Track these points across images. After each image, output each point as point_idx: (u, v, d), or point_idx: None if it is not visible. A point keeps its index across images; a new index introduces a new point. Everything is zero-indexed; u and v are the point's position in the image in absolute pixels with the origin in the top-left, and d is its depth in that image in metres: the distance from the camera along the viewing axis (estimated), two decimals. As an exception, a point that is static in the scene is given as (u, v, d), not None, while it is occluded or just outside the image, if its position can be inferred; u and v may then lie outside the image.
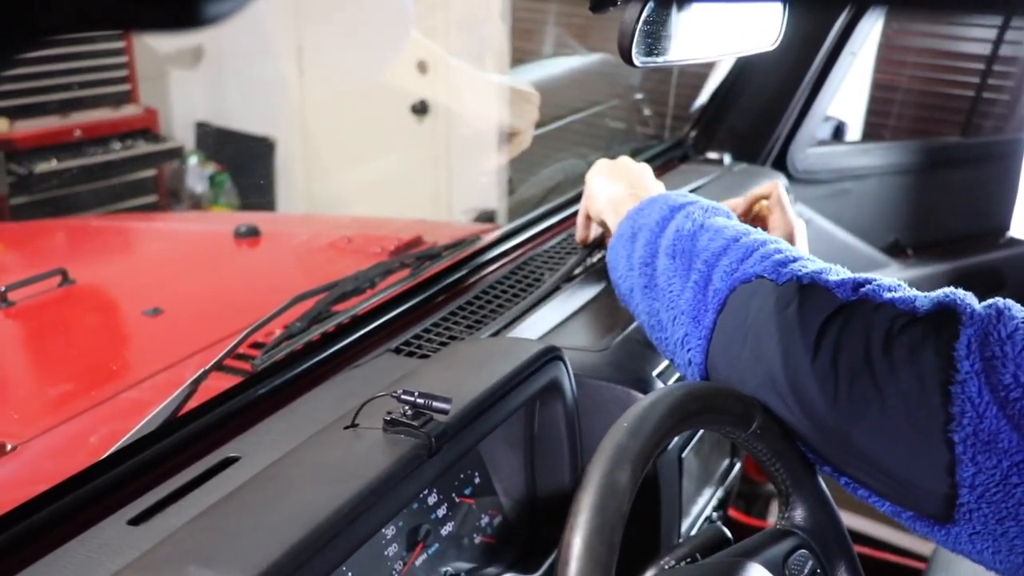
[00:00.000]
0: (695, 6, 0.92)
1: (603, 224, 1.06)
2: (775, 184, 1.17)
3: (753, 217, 1.19)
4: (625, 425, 0.64)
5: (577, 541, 0.57)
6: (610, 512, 0.58)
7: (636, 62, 0.86)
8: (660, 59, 0.90)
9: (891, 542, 2.02)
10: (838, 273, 0.77)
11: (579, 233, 1.21)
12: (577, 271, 1.23)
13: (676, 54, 0.91)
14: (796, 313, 0.74)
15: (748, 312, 0.78)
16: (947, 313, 0.68)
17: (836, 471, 0.77)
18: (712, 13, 0.95)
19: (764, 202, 1.18)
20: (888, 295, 0.72)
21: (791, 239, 1.11)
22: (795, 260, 0.79)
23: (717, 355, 0.81)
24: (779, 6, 0.99)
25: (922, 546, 1.99)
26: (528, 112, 1.49)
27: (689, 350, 0.83)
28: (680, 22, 0.90)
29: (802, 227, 1.15)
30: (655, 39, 0.87)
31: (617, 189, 1.03)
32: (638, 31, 0.84)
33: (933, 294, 0.71)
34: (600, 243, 1.23)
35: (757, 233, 0.85)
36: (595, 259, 1.27)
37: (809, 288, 0.75)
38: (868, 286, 0.73)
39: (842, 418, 0.71)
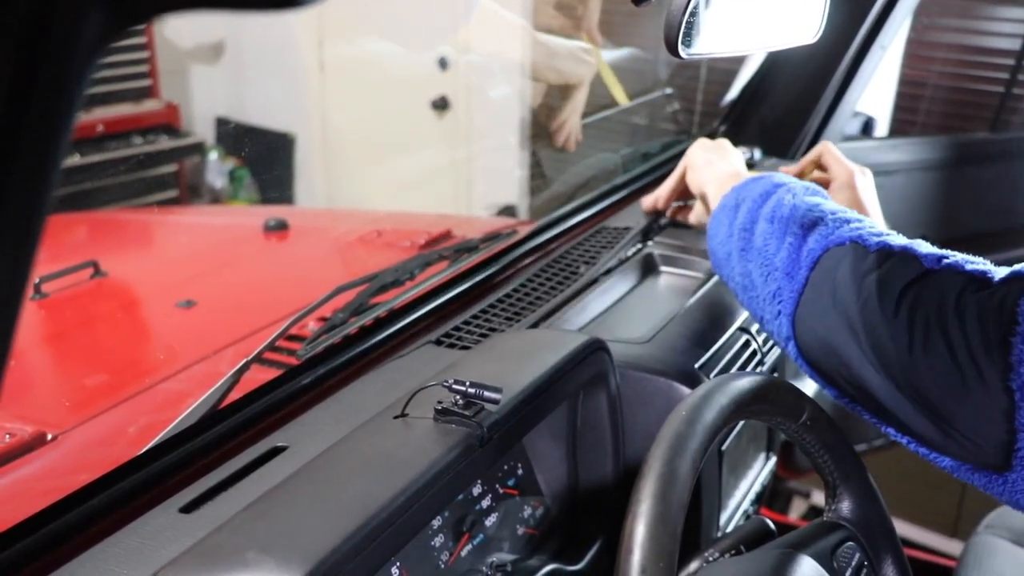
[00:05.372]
0: (740, -2, 0.92)
1: (703, 196, 1.14)
2: (824, 145, 1.22)
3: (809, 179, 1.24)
4: (683, 414, 0.64)
5: (640, 529, 0.57)
6: (672, 500, 0.58)
7: (682, 54, 0.86)
8: (705, 51, 0.90)
9: (920, 542, 2.02)
10: (927, 247, 0.82)
11: (662, 199, 1.30)
12: (613, 264, 1.23)
13: (721, 46, 0.91)
14: (883, 274, 0.80)
15: (838, 271, 0.83)
16: (1018, 278, 0.73)
17: (901, 428, 0.80)
18: (756, 5, 0.95)
19: (818, 172, 1.23)
20: (970, 267, 0.77)
21: (852, 185, 1.16)
22: (888, 234, 0.85)
23: (806, 308, 0.86)
24: (822, -3, 0.99)
25: (951, 546, 1.98)
26: (588, 65, 1.49)
27: (780, 302, 0.89)
28: (725, 14, 0.90)
29: (867, 174, 1.19)
30: (700, 31, 0.88)
31: (725, 167, 1.13)
32: (684, 23, 0.84)
33: (1010, 268, 0.76)
34: (654, 226, 1.32)
35: (852, 212, 0.90)
36: (630, 252, 1.27)
37: (899, 254, 0.81)
38: (952, 258, 0.79)
39: (913, 369, 0.75)
